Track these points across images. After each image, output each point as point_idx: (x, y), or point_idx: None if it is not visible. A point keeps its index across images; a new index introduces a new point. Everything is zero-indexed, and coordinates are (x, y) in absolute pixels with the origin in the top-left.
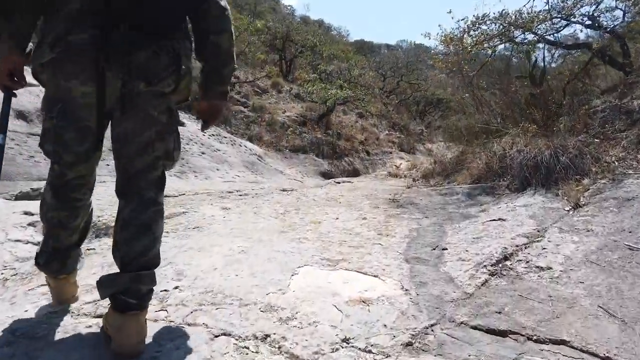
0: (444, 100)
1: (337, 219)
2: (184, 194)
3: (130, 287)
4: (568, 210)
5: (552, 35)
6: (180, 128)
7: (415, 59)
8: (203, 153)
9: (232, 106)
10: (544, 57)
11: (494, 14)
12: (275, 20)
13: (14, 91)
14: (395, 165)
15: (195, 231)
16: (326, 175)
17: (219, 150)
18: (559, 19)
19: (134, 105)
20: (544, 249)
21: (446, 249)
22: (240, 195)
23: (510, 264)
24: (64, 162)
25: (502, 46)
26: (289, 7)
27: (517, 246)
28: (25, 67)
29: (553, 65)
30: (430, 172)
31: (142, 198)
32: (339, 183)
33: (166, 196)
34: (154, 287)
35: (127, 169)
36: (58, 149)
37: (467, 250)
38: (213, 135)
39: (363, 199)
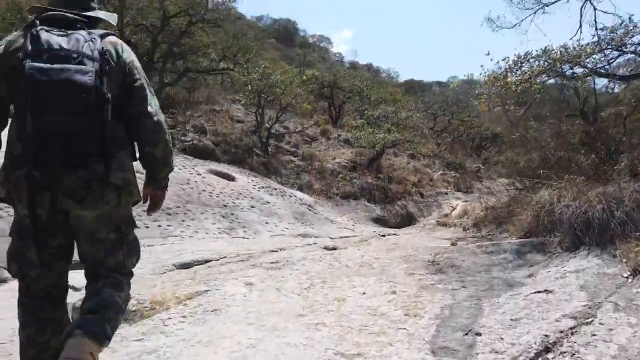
0: (500, 135)
1: (364, 293)
2: (224, 257)
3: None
4: (627, 277)
5: (603, 68)
6: (230, 183)
7: (466, 95)
8: (252, 207)
9: (282, 157)
10: (594, 91)
11: (537, 51)
12: (323, 69)
13: None
14: (446, 212)
15: (212, 315)
16: (379, 221)
17: (268, 202)
18: (610, 50)
19: (82, 228)
20: (594, 335)
21: (480, 334)
22: (272, 262)
23: (552, 358)
24: (29, 278)
25: (551, 81)
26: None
27: (561, 332)
28: None
29: (607, 97)
30: (482, 220)
31: (95, 276)
32: (383, 237)
33: (206, 261)
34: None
35: (89, 279)
36: (22, 266)
37: (502, 338)
38: (263, 187)
39: (400, 262)
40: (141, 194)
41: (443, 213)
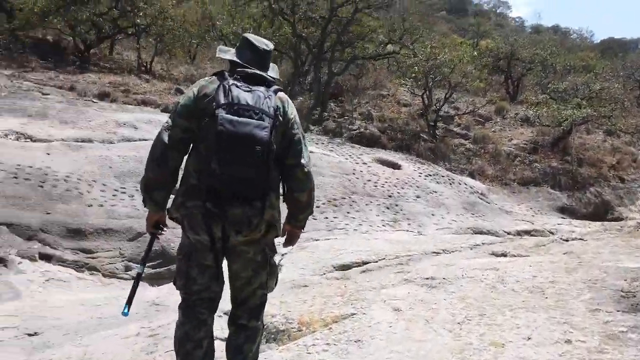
0: None
1: (529, 339)
2: (383, 259)
3: None
4: None
5: None
6: (395, 171)
7: None
8: (418, 197)
9: (451, 140)
10: None
11: None
12: (499, 39)
13: (158, 235)
14: None
15: (355, 347)
16: (565, 211)
17: (435, 192)
18: None
19: (237, 251)
20: None
21: None
22: (427, 279)
23: None
24: (191, 292)
25: None
26: (517, 20)
27: None
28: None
29: None
30: None
31: (237, 326)
32: (566, 241)
33: (364, 263)
34: None
35: (235, 298)
36: (187, 283)
37: None
38: (430, 175)
39: (582, 288)
40: (282, 231)
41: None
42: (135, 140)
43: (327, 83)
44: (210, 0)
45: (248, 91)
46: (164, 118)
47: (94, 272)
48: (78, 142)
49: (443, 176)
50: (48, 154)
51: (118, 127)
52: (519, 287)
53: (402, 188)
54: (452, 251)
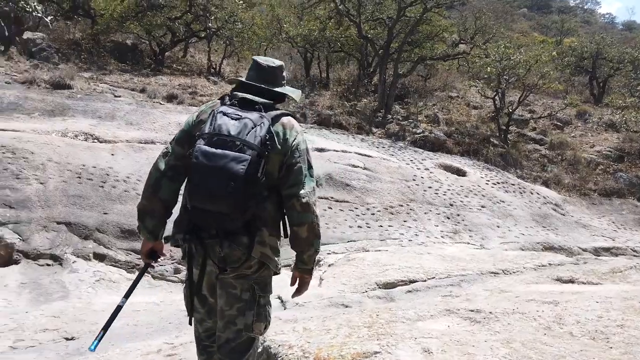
0: None
1: None
2: (432, 278)
3: None
4: None
5: None
6: (460, 178)
7: None
8: (483, 207)
9: (524, 146)
10: None
11: None
12: (584, 36)
13: (153, 264)
14: None
15: None
16: None
17: (502, 201)
18: None
19: (224, 284)
20: None
21: None
22: (472, 311)
23: None
24: (195, 319)
25: None
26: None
27: None
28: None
29: None
30: None
31: None
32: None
33: (410, 282)
34: None
35: (218, 337)
36: (189, 308)
37: None
38: (498, 183)
39: None
40: (279, 269)
41: None
42: None
43: (393, 84)
44: (278, 3)
45: (236, 119)
46: None
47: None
48: (141, 143)
49: (513, 184)
50: (112, 155)
51: (179, 129)
52: (578, 331)
53: (466, 196)
54: (513, 272)
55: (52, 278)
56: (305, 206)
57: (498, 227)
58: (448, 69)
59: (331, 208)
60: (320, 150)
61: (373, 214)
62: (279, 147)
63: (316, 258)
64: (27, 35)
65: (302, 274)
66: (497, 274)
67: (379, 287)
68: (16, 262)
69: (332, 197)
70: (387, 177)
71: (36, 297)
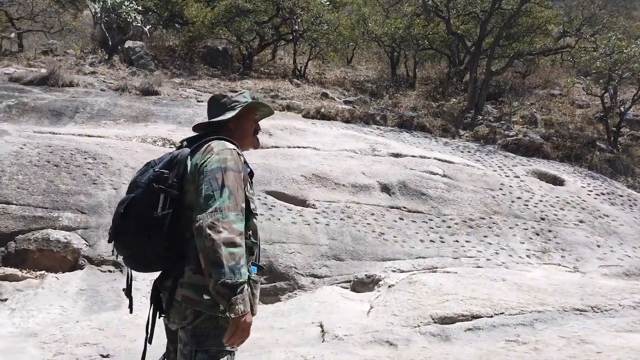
0: None
1: None
2: (500, 314)
3: None
4: None
5: None
6: (556, 188)
7: None
8: (581, 222)
9: (638, 150)
10: None
11: None
12: None
13: None
14: None
15: None
16: None
17: (606, 216)
18: None
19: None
20: None
21: None
22: None
23: None
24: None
25: None
26: None
27: None
28: None
29: None
30: None
31: None
32: None
33: (473, 317)
34: None
35: None
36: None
37: None
38: (603, 194)
39: None
40: (222, 312)
41: None
42: (267, 148)
43: (484, 83)
44: (364, 2)
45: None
46: (301, 125)
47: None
48: None
49: (621, 196)
50: None
51: None
52: None
53: (562, 209)
54: (605, 310)
55: (110, 285)
56: (198, 230)
57: (598, 246)
58: (551, 64)
59: (402, 219)
60: (396, 155)
61: (449, 227)
62: (190, 175)
63: (229, 292)
64: (128, 44)
65: (226, 313)
66: (584, 311)
67: (435, 322)
68: (81, 267)
69: (404, 207)
70: (469, 185)
71: (91, 305)
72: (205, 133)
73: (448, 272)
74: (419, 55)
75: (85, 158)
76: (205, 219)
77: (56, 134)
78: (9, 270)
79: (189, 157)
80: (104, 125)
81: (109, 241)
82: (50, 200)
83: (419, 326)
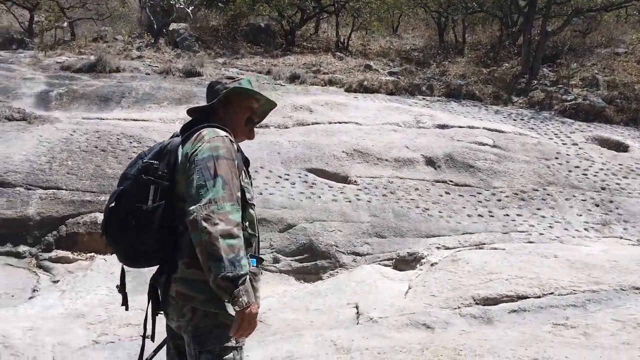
0: None
1: None
2: (549, 294)
3: None
4: None
5: None
6: (619, 155)
7: None
8: None
9: None
10: None
11: None
12: None
13: None
14: None
15: None
16: None
17: None
18: None
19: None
20: None
21: None
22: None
23: None
24: None
25: None
26: None
27: None
28: None
29: None
30: None
31: None
32: None
33: (518, 297)
34: None
35: None
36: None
37: None
38: None
39: None
40: (220, 308)
41: None
42: (307, 124)
43: (540, 45)
44: None
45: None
46: (342, 99)
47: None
48: (255, 127)
49: None
50: None
51: (294, 111)
52: None
53: (625, 177)
54: None
55: (155, 267)
56: (193, 224)
57: None
58: (615, 20)
59: (449, 193)
60: (442, 127)
61: (499, 200)
62: (181, 165)
63: (231, 284)
64: (172, 26)
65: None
66: None
67: (476, 303)
68: None
69: (450, 181)
70: (521, 155)
71: (136, 286)
72: (197, 119)
73: (495, 248)
74: (468, 20)
75: (131, 142)
76: (199, 211)
77: (103, 119)
78: (61, 253)
79: (180, 146)
80: (148, 108)
81: (101, 235)
82: (97, 184)
83: (459, 307)
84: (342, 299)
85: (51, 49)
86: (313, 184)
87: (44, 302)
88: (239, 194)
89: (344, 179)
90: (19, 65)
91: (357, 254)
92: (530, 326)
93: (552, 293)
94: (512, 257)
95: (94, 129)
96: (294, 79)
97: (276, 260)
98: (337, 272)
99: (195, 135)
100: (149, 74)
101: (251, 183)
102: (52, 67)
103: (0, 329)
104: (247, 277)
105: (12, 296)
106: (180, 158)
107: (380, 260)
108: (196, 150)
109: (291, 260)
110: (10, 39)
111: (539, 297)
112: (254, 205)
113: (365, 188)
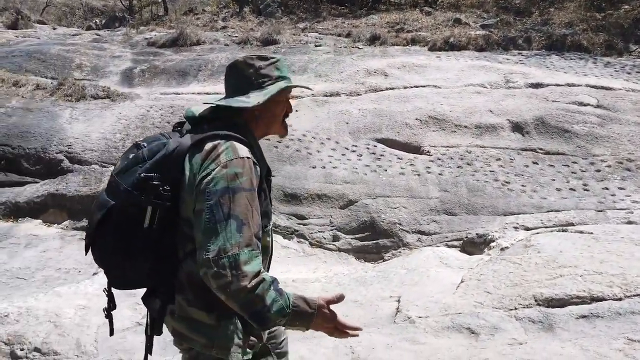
0: None
1: None
2: (635, 296)
3: None
4: None
5: None
6: None
7: None
8: None
9: None
10: None
11: None
12: None
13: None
14: None
15: None
16: None
17: None
18: None
19: None
20: None
21: None
22: None
23: None
24: None
25: None
26: None
27: None
28: None
29: None
30: None
31: None
32: None
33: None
34: None
35: None
36: None
37: None
38: None
39: None
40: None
41: None
42: (381, 90)
43: None
44: None
45: (136, 149)
46: (422, 61)
47: (301, 240)
48: (326, 96)
49: None
50: (296, 111)
51: (367, 77)
52: None
53: None
54: None
55: None
56: (205, 279)
57: None
58: None
59: (536, 163)
60: (536, 85)
61: (598, 171)
62: (188, 185)
63: (283, 319)
64: None
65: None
66: None
67: (538, 304)
68: None
69: (540, 149)
70: (631, 116)
71: None
72: (213, 117)
73: (581, 231)
74: None
75: None
76: (208, 266)
77: (179, 94)
78: None
79: (187, 155)
80: (221, 81)
81: (85, 250)
82: None
83: (515, 309)
84: (386, 290)
85: (145, 25)
86: (381, 155)
87: (103, 280)
88: (260, 231)
89: (416, 149)
90: (111, 43)
91: (423, 232)
92: (598, 340)
93: (636, 295)
94: (598, 245)
95: (168, 104)
96: (373, 40)
97: (336, 238)
98: (400, 252)
99: (208, 148)
100: (227, 45)
101: (270, 203)
102: (140, 43)
103: (57, 307)
104: (285, 309)
105: (79, 272)
106: (187, 172)
107: (449, 241)
108: (209, 174)
109: (351, 239)
110: (113, 17)
111: (620, 299)
112: (271, 231)
113: (439, 159)
